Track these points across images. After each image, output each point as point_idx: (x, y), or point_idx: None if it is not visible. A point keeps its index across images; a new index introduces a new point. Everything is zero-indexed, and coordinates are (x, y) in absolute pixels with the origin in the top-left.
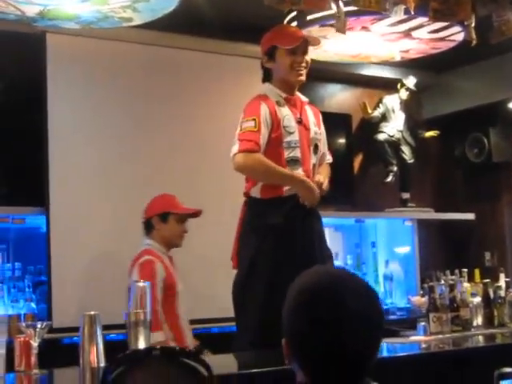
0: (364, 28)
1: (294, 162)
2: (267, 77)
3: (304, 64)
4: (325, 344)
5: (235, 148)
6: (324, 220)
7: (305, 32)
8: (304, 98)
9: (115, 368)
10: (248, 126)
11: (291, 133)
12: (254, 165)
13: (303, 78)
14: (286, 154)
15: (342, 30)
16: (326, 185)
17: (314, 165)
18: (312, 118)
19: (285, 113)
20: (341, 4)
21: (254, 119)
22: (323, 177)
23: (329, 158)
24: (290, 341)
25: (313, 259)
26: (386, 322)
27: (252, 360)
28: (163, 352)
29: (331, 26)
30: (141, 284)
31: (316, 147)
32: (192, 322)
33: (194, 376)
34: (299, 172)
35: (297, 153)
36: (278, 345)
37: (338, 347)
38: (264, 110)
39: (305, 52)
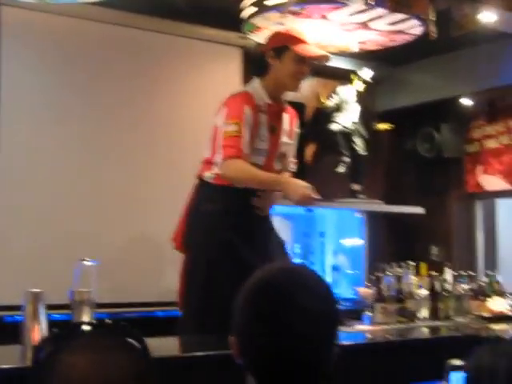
0: (323, 16)
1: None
2: (261, 71)
3: (306, 75)
4: (270, 342)
5: (219, 157)
6: (273, 208)
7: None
8: (285, 105)
9: (46, 346)
10: (231, 131)
11: (262, 140)
12: (238, 173)
13: (298, 88)
14: (252, 159)
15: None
16: None
17: (278, 172)
18: (286, 126)
19: (262, 120)
20: None
21: (237, 123)
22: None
23: (292, 167)
24: (238, 339)
25: (263, 246)
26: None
27: (193, 344)
28: (93, 327)
29: (290, 12)
30: (87, 263)
31: (282, 156)
32: (136, 305)
33: (127, 349)
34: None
35: (260, 160)
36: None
37: (285, 346)
38: (247, 114)
39: (310, 65)
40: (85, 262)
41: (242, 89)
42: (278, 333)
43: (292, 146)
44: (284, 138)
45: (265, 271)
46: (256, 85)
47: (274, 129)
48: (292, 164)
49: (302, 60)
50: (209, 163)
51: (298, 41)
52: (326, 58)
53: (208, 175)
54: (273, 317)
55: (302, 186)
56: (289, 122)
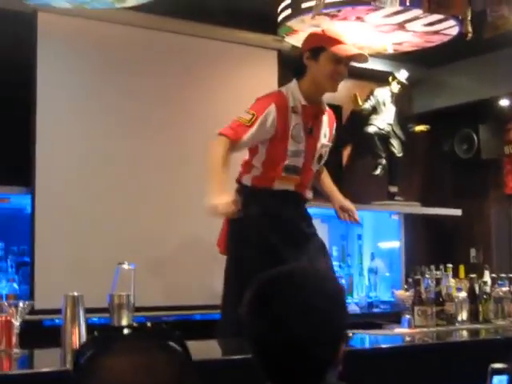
0: (358, 18)
1: (292, 169)
2: (299, 73)
3: (344, 76)
4: (278, 343)
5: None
6: (311, 211)
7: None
8: (325, 107)
9: (86, 350)
10: (243, 118)
11: (298, 143)
12: (211, 153)
13: (336, 89)
14: (288, 161)
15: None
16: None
17: (314, 175)
18: (325, 128)
19: (296, 121)
20: None
21: (253, 115)
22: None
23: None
24: (247, 339)
25: (303, 249)
26: (350, 322)
27: (233, 347)
28: (134, 330)
29: (325, 14)
30: (125, 267)
31: (320, 157)
32: (175, 308)
33: (168, 352)
34: (295, 179)
35: (299, 162)
36: None
37: (291, 345)
38: (270, 112)
39: (347, 65)
40: (123, 266)
41: (277, 89)
42: (283, 331)
43: (328, 148)
44: (323, 141)
45: (273, 272)
46: (293, 85)
47: (312, 130)
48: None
49: (339, 60)
50: (247, 165)
51: (334, 41)
52: (364, 58)
53: (246, 178)
54: (279, 315)
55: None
56: (328, 124)
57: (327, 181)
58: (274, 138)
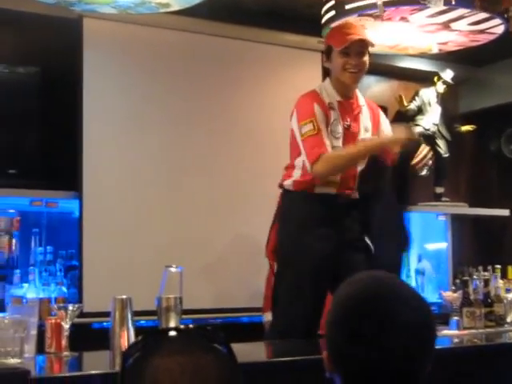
0: (403, 18)
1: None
2: (328, 75)
3: (358, 66)
4: (369, 360)
5: (306, 161)
6: None
7: (360, 31)
8: (361, 101)
9: (134, 351)
10: (308, 131)
11: (337, 138)
12: (330, 166)
13: (357, 79)
14: None
15: (380, 16)
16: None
17: (362, 172)
18: (367, 122)
19: (334, 117)
20: None
21: (312, 121)
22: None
23: None
24: (332, 354)
25: (345, 251)
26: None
27: (278, 349)
28: (180, 332)
29: (369, 15)
30: (173, 269)
31: None
32: (222, 310)
33: (214, 354)
34: (332, 182)
35: None
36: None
37: (383, 364)
38: (317, 110)
39: (360, 53)
40: (171, 269)
41: (311, 89)
42: (378, 350)
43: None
44: (364, 135)
45: (358, 284)
46: (326, 84)
47: (349, 126)
48: None
49: (346, 53)
50: (290, 168)
51: (335, 36)
52: (367, 42)
53: (287, 183)
54: (373, 335)
55: (394, 139)
56: (370, 117)
57: None
58: None
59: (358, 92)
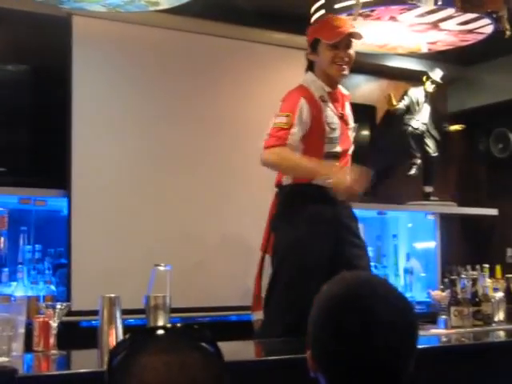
0: (392, 18)
1: (333, 156)
2: (311, 68)
3: (346, 59)
4: (354, 357)
5: (263, 144)
6: None
7: (349, 25)
8: (345, 92)
9: (120, 350)
10: (279, 122)
11: (333, 129)
12: (277, 160)
13: (346, 72)
14: (327, 148)
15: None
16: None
17: (351, 156)
18: (349, 111)
19: (328, 108)
20: None
21: (288, 115)
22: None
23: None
24: (316, 353)
25: (339, 249)
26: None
27: (266, 348)
28: (167, 330)
29: (360, 14)
30: (161, 268)
31: (353, 141)
32: (211, 309)
33: (201, 353)
34: (334, 164)
35: (337, 148)
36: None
37: (368, 361)
38: (302, 105)
39: (348, 46)
40: (160, 267)
41: (297, 85)
42: (361, 349)
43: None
44: (352, 124)
45: (341, 283)
46: (309, 77)
47: (342, 115)
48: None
49: (335, 45)
50: None
51: (324, 30)
52: (358, 35)
53: (285, 178)
54: (358, 331)
55: (345, 181)
56: (350, 107)
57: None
58: (310, 129)
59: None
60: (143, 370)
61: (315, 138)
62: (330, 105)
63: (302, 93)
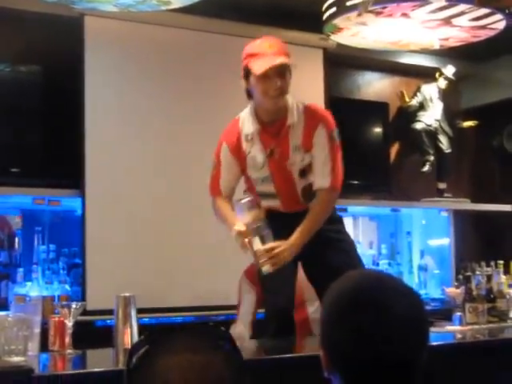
0: (404, 15)
1: (268, 195)
2: (249, 96)
3: (280, 89)
4: (370, 355)
5: None
6: (359, 209)
7: (281, 51)
8: (291, 119)
9: (139, 348)
10: (211, 168)
11: (259, 168)
12: (215, 210)
13: (280, 103)
14: (259, 188)
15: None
16: (289, 251)
17: (305, 188)
18: (298, 140)
19: (250, 148)
20: None
21: (214, 161)
22: (291, 240)
23: (322, 183)
24: (330, 351)
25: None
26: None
27: (282, 345)
28: (185, 329)
29: (370, 11)
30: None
31: (303, 172)
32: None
33: (221, 351)
34: (275, 204)
35: (270, 187)
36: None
37: (385, 358)
38: (223, 151)
39: (281, 75)
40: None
41: (237, 115)
42: (377, 346)
43: (317, 159)
44: (294, 156)
45: (350, 281)
46: (248, 110)
47: (273, 152)
48: (320, 179)
49: (265, 76)
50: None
51: (252, 59)
52: (284, 66)
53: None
54: (372, 331)
55: (243, 246)
56: (302, 134)
57: (307, 218)
58: (241, 171)
59: (291, 106)
60: (168, 369)
61: (247, 179)
62: (257, 143)
63: (226, 136)
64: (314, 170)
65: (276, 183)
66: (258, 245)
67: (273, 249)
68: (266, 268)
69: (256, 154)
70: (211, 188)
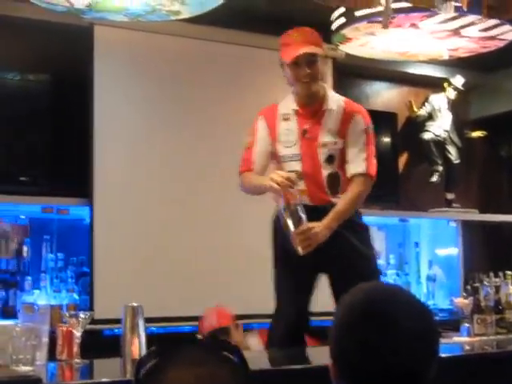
0: (413, 25)
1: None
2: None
3: (309, 75)
4: (379, 367)
5: None
6: (367, 219)
7: (308, 42)
8: (328, 105)
9: (147, 361)
10: (245, 143)
11: (288, 147)
12: (244, 185)
13: (312, 89)
14: (286, 167)
15: (386, 25)
16: (324, 232)
17: (330, 176)
18: (332, 125)
19: (285, 127)
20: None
21: (250, 135)
22: (325, 222)
23: (354, 170)
24: (339, 362)
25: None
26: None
27: (288, 356)
28: (193, 342)
29: (379, 22)
30: None
31: (330, 158)
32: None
33: (228, 363)
34: (300, 187)
35: (297, 167)
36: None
37: (393, 370)
38: (260, 125)
39: (310, 62)
40: None
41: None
42: (385, 358)
43: (352, 147)
44: (325, 139)
45: (360, 293)
46: (290, 95)
47: (305, 132)
48: (355, 165)
49: (296, 63)
50: None
51: (282, 49)
52: (311, 53)
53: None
54: (380, 344)
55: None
56: (340, 120)
57: (341, 200)
58: (272, 147)
59: (329, 96)
60: (171, 382)
61: (276, 157)
62: (292, 122)
63: (264, 111)
64: (348, 158)
65: (304, 164)
66: (293, 226)
67: (309, 229)
68: (301, 249)
69: (290, 131)
70: (243, 161)
